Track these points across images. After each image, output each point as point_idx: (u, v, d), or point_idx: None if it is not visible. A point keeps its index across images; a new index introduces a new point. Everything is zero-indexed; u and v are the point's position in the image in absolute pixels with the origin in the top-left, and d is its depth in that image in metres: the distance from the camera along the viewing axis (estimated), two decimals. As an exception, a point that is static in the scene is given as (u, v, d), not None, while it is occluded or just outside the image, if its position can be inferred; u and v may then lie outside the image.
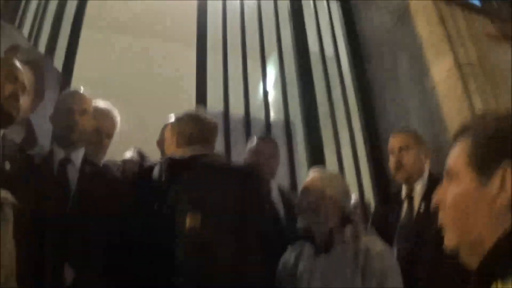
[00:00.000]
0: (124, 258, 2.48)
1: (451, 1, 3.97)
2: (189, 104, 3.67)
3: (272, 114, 4.36)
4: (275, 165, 3.31)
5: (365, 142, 4.28)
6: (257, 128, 4.04)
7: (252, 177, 2.57)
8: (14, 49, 3.11)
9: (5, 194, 1.70)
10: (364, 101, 4.43)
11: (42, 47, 3.92)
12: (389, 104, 4.29)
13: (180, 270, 2.17)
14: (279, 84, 4.50)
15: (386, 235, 2.71)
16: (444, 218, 1.19)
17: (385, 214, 3.14)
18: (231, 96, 4.08)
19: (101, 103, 2.96)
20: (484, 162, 1.13)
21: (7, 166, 2.39)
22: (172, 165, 2.48)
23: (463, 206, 1.14)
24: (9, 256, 1.64)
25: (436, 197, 1.22)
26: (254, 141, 3.34)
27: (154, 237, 2.31)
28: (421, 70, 3.96)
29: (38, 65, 3.14)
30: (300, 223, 2.60)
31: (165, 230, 2.30)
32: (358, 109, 4.42)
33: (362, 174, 4.13)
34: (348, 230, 2.51)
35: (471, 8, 4.04)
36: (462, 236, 1.14)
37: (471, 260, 1.12)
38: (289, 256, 2.64)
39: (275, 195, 3.18)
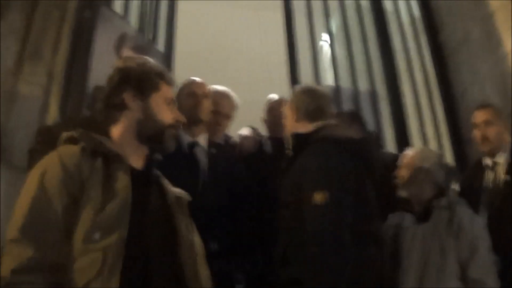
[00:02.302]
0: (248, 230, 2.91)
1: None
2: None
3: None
4: None
5: (443, 108, 4.61)
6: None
7: (368, 146, 2.75)
8: (123, 38, 3.45)
9: (184, 193, 1.97)
10: (439, 65, 4.71)
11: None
12: (463, 68, 4.53)
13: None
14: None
15: (471, 201, 3.01)
16: None
17: (469, 181, 3.45)
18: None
19: (218, 87, 3.25)
20: None
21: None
22: (298, 140, 2.64)
23: None
24: None
25: None
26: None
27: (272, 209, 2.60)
28: (492, 38, 4.16)
29: (144, 49, 3.48)
30: (401, 193, 2.98)
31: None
32: (434, 74, 4.73)
33: (441, 137, 4.49)
34: (444, 199, 2.89)
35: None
36: None
37: None
38: (389, 224, 3.00)
39: None
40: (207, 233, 2.45)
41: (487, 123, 3.36)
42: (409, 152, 3.14)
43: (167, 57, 4.09)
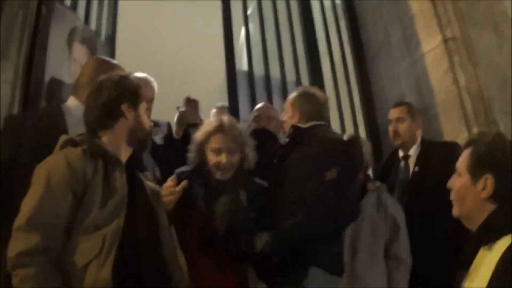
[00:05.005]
0: None
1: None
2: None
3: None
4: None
5: (361, 102, 5.02)
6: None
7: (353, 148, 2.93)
8: (74, 31, 3.65)
9: (157, 187, 2.32)
10: (360, 64, 5.11)
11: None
12: (382, 68, 4.95)
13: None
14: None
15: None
16: (453, 196, 1.91)
17: (385, 170, 3.89)
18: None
19: (139, 74, 3.24)
20: (476, 169, 1.83)
21: None
22: (295, 131, 2.90)
23: (461, 193, 1.86)
24: None
25: (449, 182, 1.93)
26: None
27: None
28: (412, 40, 4.59)
29: (91, 41, 3.70)
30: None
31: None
32: (355, 72, 5.12)
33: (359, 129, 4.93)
34: (371, 184, 3.29)
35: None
36: (460, 211, 1.88)
37: (470, 226, 1.84)
38: None
39: None
40: None
41: (399, 120, 3.78)
42: None
43: (111, 49, 4.29)
